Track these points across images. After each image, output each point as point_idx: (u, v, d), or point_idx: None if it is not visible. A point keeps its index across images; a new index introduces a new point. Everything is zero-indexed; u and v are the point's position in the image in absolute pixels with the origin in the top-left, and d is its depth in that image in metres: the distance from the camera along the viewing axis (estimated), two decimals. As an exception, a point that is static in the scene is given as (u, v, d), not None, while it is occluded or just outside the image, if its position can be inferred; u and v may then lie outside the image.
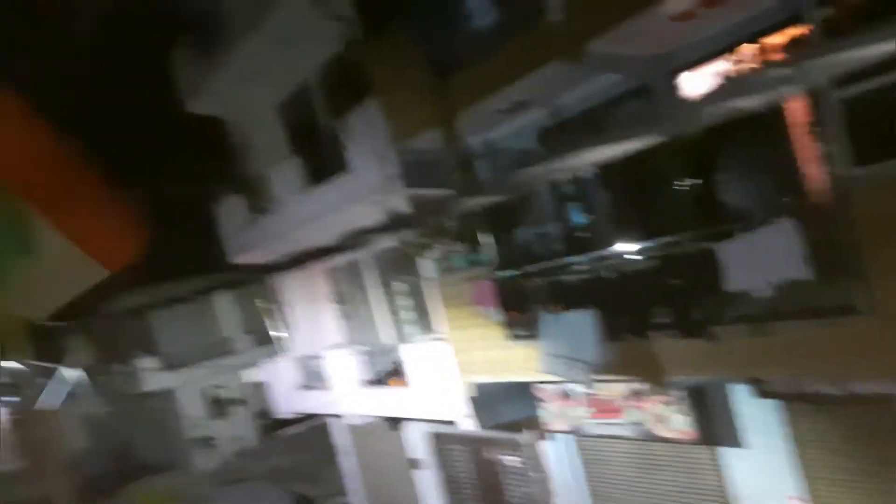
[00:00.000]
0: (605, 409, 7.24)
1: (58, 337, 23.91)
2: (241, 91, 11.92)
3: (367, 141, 8.99)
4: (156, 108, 16.01)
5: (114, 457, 24.23)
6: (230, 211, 12.56)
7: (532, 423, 8.32)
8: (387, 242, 10.12)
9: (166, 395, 20.19)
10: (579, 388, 7.34)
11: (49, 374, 20.08)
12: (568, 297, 7.25)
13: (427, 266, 8.99)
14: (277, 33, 10.17)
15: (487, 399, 8.38)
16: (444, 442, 10.31)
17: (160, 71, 13.32)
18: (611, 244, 6.87)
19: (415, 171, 8.68)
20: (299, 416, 13.12)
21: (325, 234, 10.63)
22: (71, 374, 20.79)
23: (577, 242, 7.60)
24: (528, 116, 7.74)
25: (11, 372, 17.57)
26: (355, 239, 10.31)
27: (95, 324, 21.00)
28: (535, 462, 8.73)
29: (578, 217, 7.82)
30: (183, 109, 13.16)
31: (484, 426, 8.50)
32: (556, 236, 7.99)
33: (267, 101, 11.97)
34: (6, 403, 32.09)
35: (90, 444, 27.00)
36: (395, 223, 9.60)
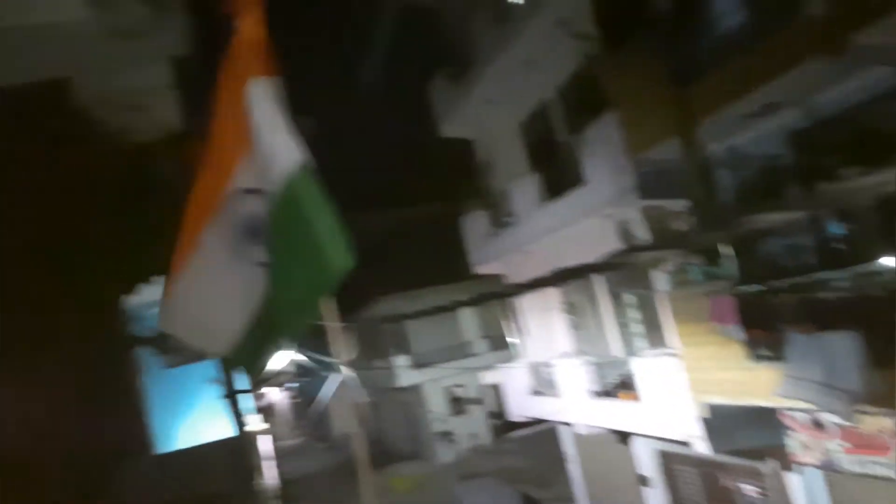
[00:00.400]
0: (865, 444, 6.35)
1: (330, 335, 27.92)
2: (488, 112, 12.95)
3: (603, 154, 9.15)
4: (416, 135, 18.11)
5: (370, 442, 27.41)
6: (474, 225, 13.65)
7: (776, 452, 7.60)
8: (620, 254, 10.09)
9: (414, 391, 22.29)
10: (834, 419, 6.56)
11: (325, 367, 23.52)
12: (823, 316, 6.58)
13: (660, 278, 8.79)
14: (523, 55, 10.91)
15: (723, 422, 7.88)
16: (675, 462, 9.84)
17: (421, 100, 15.09)
18: (876, 257, 6.07)
19: (651, 183, 8.61)
20: (530, 419, 13.58)
21: (561, 247, 10.98)
22: (341, 367, 24.15)
23: (834, 255, 6.83)
24: (777, 119, 7.22)
25: (296, 363, 21.15)
26: (606, 261, 10.09)
27: (361, 325, 24.02)
28: (779, 495, 7.91)
29: (835, 227, 7.02)
30: (438, 134, 14.70)
31: (717, 450, 8.01)
32: (808, 248, 7.26)
33: (510, 120, 12.81)
34: (289, 388, 38.36)
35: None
36: (628, 236, 9.56)
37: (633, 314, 10.18)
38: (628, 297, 10.23)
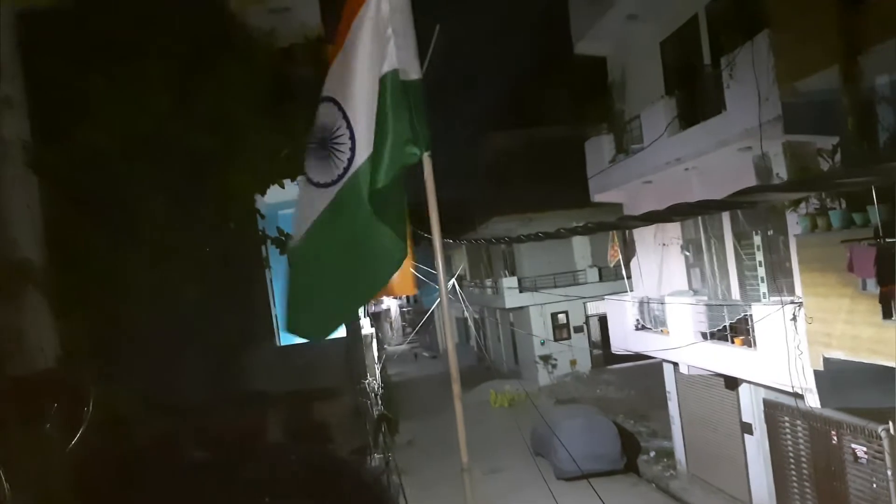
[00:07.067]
0: None
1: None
2: (628, 29, 12.12)
3: (749, 81, 8.42)
4: (548, 53, 17.46)
5: (475, 356, 28.53)
6: (597, 150, 13.19)
7: (890, 416, 7.08)
8: (753, 192, 9.41)
9: (521, 313, 22.69)
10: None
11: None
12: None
13: (791, 221, 8.15)
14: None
15: (838, 377, 7.39)
16: (782, 413, 9.44)
17: (557, 17, 14.40)
18: None
19: (799, 115, 7.85)
20: (632, 353, 13.45)
21: (688, 180, 10.41)
22: (449, 282, 24.96)
23: None
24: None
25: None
26: (736, 198, 9.59)
27: (471, 243, 24.49)
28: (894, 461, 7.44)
29: None
30: (570, 52, 14.06)
31: (827, 405, 7.58)
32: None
33: (651, 38, 11.95)
34: (402, 299, 40.25)
35: (460, 341, 32.25)
36: (765, 172, 8.86)
37: (759, 257, 9.58)
38: (755, 239, 9.61)
